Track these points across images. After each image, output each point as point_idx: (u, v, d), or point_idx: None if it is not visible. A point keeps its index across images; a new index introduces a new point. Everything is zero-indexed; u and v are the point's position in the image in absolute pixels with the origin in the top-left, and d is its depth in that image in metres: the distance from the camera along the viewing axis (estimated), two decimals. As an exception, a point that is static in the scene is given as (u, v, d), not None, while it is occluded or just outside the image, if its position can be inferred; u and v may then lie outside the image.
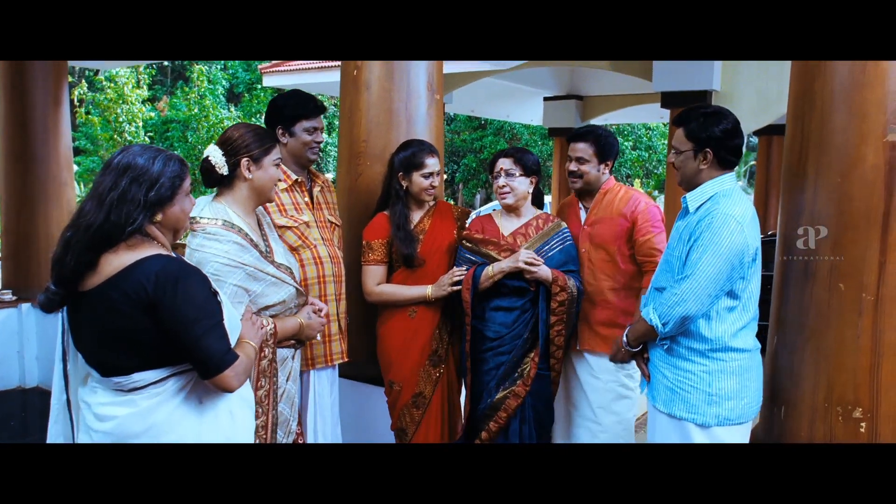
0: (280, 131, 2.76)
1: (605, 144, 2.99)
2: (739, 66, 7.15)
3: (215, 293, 1.90)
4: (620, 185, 3.06)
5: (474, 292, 2.90)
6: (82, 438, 1.88)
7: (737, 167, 2.40)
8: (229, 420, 1.93)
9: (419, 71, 3.34)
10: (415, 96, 3.33)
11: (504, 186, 2.93)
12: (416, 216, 3.05)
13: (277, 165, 2.37)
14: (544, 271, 2.85)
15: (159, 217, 1.86)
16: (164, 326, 1.77)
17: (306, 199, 2.85)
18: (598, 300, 2.99)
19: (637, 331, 2.43)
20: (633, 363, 2.59)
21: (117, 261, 1.78)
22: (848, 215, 2.19)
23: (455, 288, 2.92)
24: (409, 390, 3.01)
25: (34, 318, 5.26)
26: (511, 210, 3.00)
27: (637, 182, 24.03)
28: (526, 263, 2.83)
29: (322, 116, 2.87)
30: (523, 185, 2.95)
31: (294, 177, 2.80)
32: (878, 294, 2.16)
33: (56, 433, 2.00)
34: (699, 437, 2.29)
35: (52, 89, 5.32)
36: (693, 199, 2.34)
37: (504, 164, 2.93)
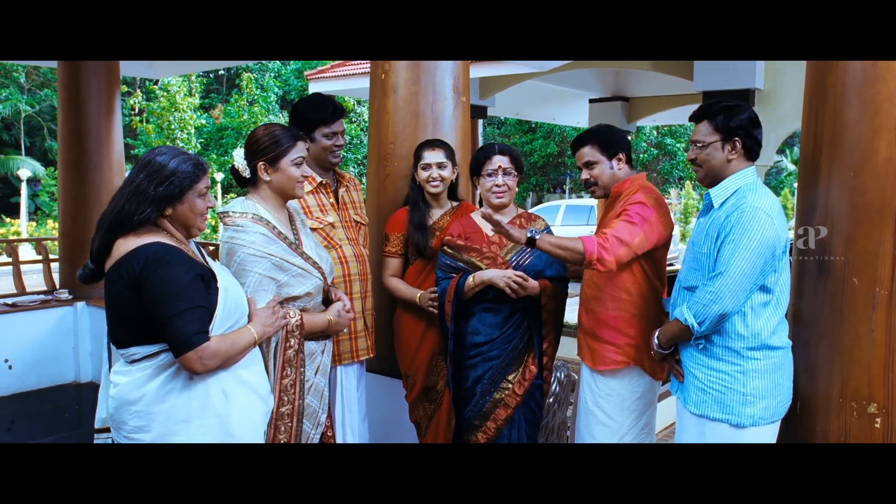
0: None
1: (607, 137, 2.69)
2: (783, 64, 6.89)
3: (210, 282, 2.03)
4: (638, 185, 2.66)
5: (457, 304, 2.80)
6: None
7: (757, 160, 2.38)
8: (222, 399, 2.04)
9: (445, 74, 3.39)
10: (440, 98, 3.39)
11: (503, 186, 2.82)
12: (437, 213, 3.10)
13: (299, 164, 2.39)
14: (531, 287, 2.74)
15: (169, 212, 2.02)
16: (145, 304, 1.92)
17: (331, 200, 2.91)
18: (585, 308, 2.77)
19: (669, 331, 2.39)
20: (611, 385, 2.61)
21: (125, 245, 1.96)
22: (861, 209, 2.16)
23: (431, 306, 2.92)
24: (422, 383, 3.07)
25: (88, 316, 5.52)
26: (499, 209, 2.87)
27: (688, 184, 23.58)
28: (510, 288, 2.71)
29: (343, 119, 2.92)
30: (514, 183, 2.88)
31: (319, 179, 2.87)
32: (891, 288, 2.12)
33: (102, 398, 2.25)
34: (732, 437, 2.27)
35: (105, 99, 5.56)
36: (717, 194, 2.31)
37: (503, 161, 2.81)
